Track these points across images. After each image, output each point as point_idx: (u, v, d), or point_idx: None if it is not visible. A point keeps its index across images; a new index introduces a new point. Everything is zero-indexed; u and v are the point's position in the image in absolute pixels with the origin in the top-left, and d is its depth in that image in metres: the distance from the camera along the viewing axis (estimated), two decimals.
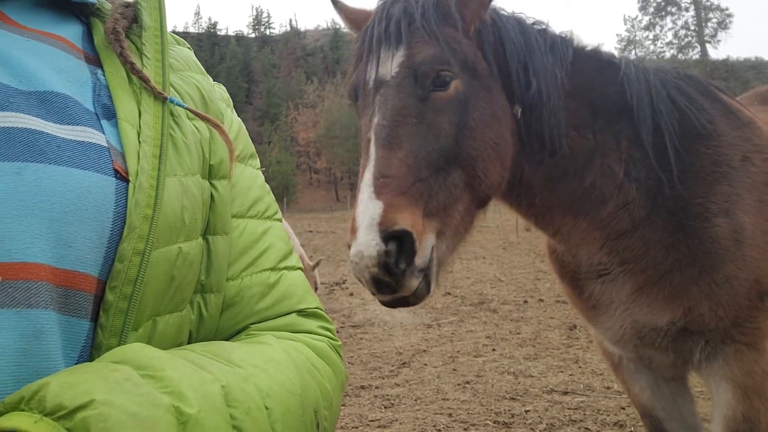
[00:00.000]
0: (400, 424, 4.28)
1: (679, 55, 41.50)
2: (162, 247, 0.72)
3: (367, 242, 1.30)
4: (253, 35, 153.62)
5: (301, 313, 0.89)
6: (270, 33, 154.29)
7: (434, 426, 4.20)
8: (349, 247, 1.34)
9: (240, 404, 0.64)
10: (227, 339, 0.85)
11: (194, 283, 0.80)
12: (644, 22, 44.76)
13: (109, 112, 0.76)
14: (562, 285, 2.10)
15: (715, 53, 41.15)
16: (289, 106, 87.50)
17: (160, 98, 0.79)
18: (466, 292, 9.47)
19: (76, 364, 0.65)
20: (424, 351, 6.22)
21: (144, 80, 0.78)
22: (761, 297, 1.85)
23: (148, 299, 0.70)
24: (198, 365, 0.65)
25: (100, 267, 0.67)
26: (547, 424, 4.23)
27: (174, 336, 0.77)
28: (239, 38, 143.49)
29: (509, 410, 4.48)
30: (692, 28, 41.54)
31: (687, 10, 41.95)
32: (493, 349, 6.18)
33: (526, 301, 8.75)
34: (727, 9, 40.68)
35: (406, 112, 1.52)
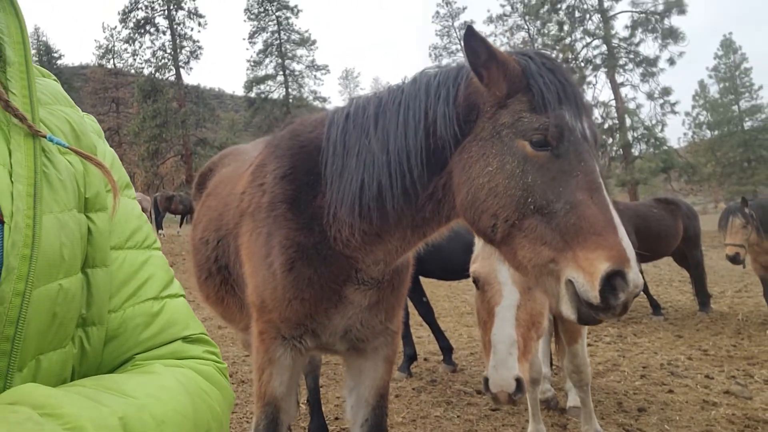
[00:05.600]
0: None
1: (157, 74, 43.57)
2: (42, 285, 0.69)
3: (639, 273, 1.58)
4: None
5: (186, 339, 0.88)
6: None
7: None
8: (622, 273, 1.56)
9: None
10: (112, 371, 0.81)
11: (76, 318, 0.76)
12: (123, 35, 45.24)
13: None
14: (308, 289, 2.26)
15: (189, 79, 44.99)
16: None
17: (37, 136, 0.74)
18: None
19: None
20: None
21: (20, 118, 0.73)
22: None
23: (31, 339, 0.68)
24: (93, 399, 0.65)
25: None
26: None
27: (58, 373, 0.73)
28: None
29: None
30: (169, 51, 44.28)
31: (165, 33, 44.52)
32: None
33: None
34: (198, 41, 45.14)
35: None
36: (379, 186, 2.04)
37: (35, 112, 0.78)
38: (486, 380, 2.42)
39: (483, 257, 2.70)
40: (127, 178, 0.99)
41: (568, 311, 1.68)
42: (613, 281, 1.56)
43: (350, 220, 2.12)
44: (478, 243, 2.80)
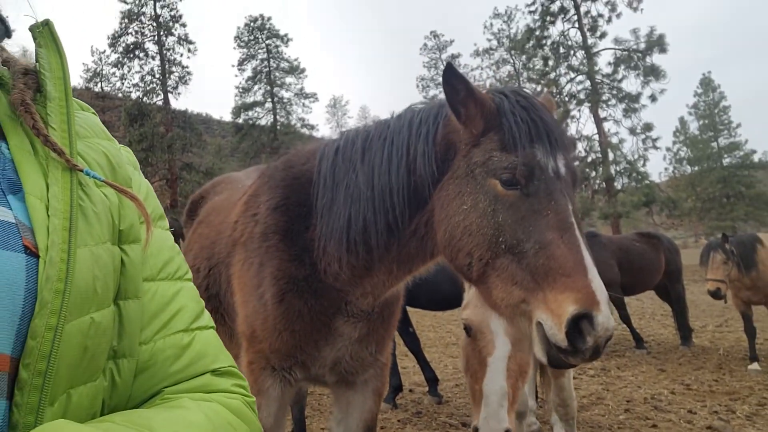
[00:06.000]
0: None
1: (144, 99, 43.56)
2: (74, 319, 0.69)
3: (610, 316, 1.49)
4: None
5: (215, 372, 0.87)
6: None
7: None
8: (590, 316, 1.50)
9: None
10: (141, 404, 0.81)
11: (107, 351, 0.76)
12: (112, 59, 45.29)
13: (15, 187, 0.72)
14: (298, 320, 2.26)
15: (176, 103, 44.81)
16: None
17: (74, 170, 0.75)
18: None
19: None
20: None
21: (58, 152, 0.74)
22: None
23: (63, 373, 0.68)
24: None
25: (13, 344, 0.64)
26: None
27: (88, 406, 0.73)
28: None
29: None
30: (157, 76, 44.37)
31: (154, 58, 44.66)
32: None
33: None
34: (187, 67, 45.26)
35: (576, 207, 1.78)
36: (364, 221, 2.05)
37: (73, 146, 0.79)
38: (476, 430, 2.42)
39: (475, 305, 2.70)
40: (161, 209, 0.98)
41: (539, 353, 1.64)
42: (580, 324, 1.51)
43: (338, 254, 2.13)
44: (468, 286, 2.81)
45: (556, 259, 1.58)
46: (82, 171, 0.78)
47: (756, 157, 48.26)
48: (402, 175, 1.97)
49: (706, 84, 54.15)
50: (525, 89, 1.96)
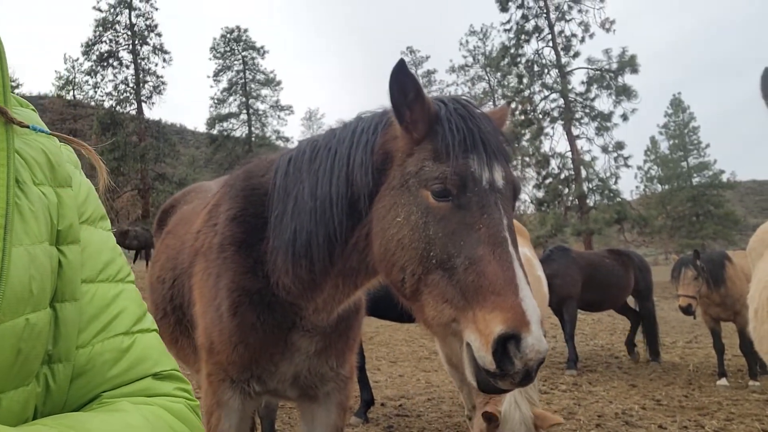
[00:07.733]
0: None
1: (117, 108, 42.95)
2: (8, 320, 0.65)
3: (541, 337, 1.39)
4: None
5: (157, 376, 0.84)
6: None
7: None
8: (517, 337, 1.38)
9: None
10: (77, 409, 0.76)
11: (42, 355, 0.72)
12: (85, 67, 44.62)
13: None
14: (252, 334, 2.20)
15: (150, 113, 44.07)
16: None
17: (18, 125, 0.73)
18: None
19: None
20: None
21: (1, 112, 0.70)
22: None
23: None
24: None
25: None
26: None
27: (19, 412, 0.68)
28: None
29: None
30: (131, 85, 43.86)
31: (128, 67, 44.15)
32: None
33: None
34: (162, 77, 44.80)
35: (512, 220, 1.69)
36: (308, 234, 2.00)
37: (10, 141, 0.76)
38: None
39: None
40: (103, 210, 0.97)
41: (469, 376, 1.54)
42: (506, 346, 1.41)
43: (286, 267, 2.09)
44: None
45: (486, 276, 1.49)
46: (22, 125, 0.75)
47: (724, 177, 49.46)
48: (341, 185, 1.92)
49: (676, 105, 55.52)
50: (465, 97, 1.89)
